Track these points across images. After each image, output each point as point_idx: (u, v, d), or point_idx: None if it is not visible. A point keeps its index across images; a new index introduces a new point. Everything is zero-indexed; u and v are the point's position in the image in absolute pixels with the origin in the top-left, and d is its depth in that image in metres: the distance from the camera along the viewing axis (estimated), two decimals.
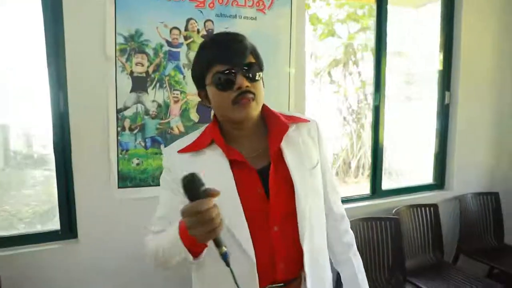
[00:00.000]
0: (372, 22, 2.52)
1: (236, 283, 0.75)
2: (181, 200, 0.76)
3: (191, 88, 1.91)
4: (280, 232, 0.93)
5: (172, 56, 1.88)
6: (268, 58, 1.94)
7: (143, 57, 1.83)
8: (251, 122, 0.96)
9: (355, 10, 3.00)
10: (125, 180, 1.87)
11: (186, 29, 1.89)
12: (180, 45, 1.89)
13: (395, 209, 2.43)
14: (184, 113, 1.93)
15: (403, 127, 2.86)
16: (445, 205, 2.66)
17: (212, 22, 1.93)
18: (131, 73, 1.82)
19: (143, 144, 1.88)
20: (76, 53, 1.72)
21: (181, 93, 1.91)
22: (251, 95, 0.91)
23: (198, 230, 0.74)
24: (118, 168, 1.85)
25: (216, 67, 0.91)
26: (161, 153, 1.88)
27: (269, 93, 2.04)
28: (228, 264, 0.74)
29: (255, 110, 0.94)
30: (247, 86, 0.90)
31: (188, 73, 1.90)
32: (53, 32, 1.72)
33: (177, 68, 1.89)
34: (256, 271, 0.90)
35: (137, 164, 1.88)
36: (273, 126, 1.00)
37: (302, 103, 2.21)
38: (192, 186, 0.73)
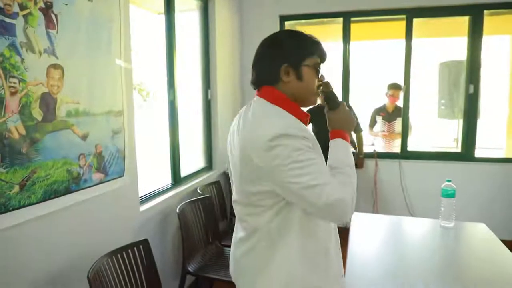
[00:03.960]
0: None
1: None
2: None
3: (32, 74, 1.45)
4: None
5: (6, 30, 1.35)
6: (102, 48, 1.83)
7: None
8: None
9: None
10: None
11: None
12: (15, 15, 1.38)
13: (180, 205, 2.38)
14: (24, 110, 1.43)
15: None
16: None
17: None
18: None
19: None
20: None
21: (20, 81, 1.40)
22: None
23: (352, 124, 1.20)
24: None
25: (317, 58, 1.17)
26: None
27: (105, 86, 1.87)
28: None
29: None
30: None
31: (28, 55, 1.43)
32: None
33: (13, 47, 1.38)
34: None
35: None
36: None
37: (131, 98, 2.11)
38: (337, 97, 1.23)
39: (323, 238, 1.15)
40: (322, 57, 1.18)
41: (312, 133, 1.12)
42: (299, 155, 1.01)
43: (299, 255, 1.12)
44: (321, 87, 1.20)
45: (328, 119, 1.22)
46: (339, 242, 1.25)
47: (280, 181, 1.04)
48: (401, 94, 3.88)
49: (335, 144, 1.15)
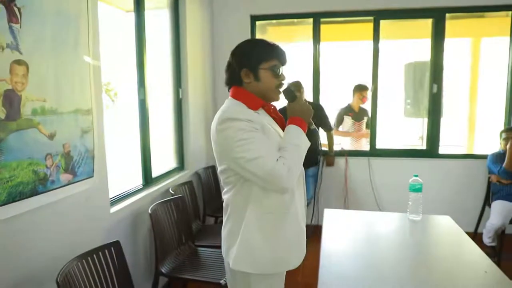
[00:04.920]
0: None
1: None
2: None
3: None
4: None
5: None
6: (70, 44, 1.77)
7: None
8: None
9: None
10: None
11: None
12: None
13: (152, 205, 2.34)
14: None
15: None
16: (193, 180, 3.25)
17: None
18: None
19: None
20: None
21: None
22: None
23: (307, 112, 1.38)
24: None
25: (275, 61, 1.36)
26: None
27: (73, 84, 1.82)
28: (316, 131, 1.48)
29: None
30: None
31: None
32: None
33: None
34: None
35: None
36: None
37: (100, 96, 2.05)
38: (293, 91, 1.41)
39: (278, 212, 1.35)
40: (281, 59, 1.38)
41: (262, 119, 1.35)
42: (242, 134, 1.23)
43: (256, 227, 1.34)
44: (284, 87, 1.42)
45: (287, 110, 1.41)
46: (299, 220, 1.43)
47: (231, 158, 1.27)
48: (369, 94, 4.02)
49: (287, 129, 1.36)
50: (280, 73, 1.38)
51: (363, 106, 4.30)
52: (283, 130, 1.42)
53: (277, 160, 1.23)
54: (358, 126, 4.29)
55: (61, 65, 1.73)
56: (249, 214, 1.34)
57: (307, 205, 3.66)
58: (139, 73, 2.67)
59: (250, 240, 1.34)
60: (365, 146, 4.23)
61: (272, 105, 1.45)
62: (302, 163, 1.33)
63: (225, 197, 1.42)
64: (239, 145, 1.22)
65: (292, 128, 1.35)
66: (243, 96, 1.37)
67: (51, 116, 1.66)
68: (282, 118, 1.47)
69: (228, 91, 1.44)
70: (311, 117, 1.42)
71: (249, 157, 1.22)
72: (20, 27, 1.49)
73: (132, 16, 2.66)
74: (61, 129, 1.72)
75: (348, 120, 4.32)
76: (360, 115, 4.29)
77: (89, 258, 1.69)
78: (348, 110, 4.33)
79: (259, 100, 1.38)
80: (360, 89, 4.22)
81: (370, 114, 4.06)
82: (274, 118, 1.45)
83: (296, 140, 1.31)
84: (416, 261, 1.78)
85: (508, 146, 3.29)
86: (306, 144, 1.35)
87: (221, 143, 1.29)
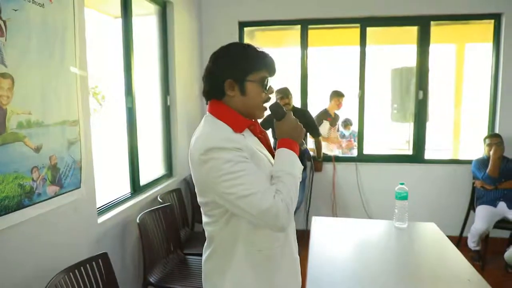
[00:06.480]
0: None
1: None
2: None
3: None
4: None
5: None
6: (56, 56, 1.76)
7: None
8: None
9: None
10: None
11: None
12: None
13: (140, 214, 2.33)
14: None
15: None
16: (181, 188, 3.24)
17: None
18: None
19: None
20: None
21: None
22: None
23: (298, 132, 1.20)
24: None
25: (264, 72, 1.18)
26: None
27: (59, 95, 1.81)
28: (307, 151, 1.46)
29: None
30: None
31: None
32: None
33: None
34: None
35: None
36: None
37: (88, 107, 2.04)
38: (281, 108, 1.23)
39: (267, 248, 1.19)
40: (270, 71, 1.21)
41: (249, 142, 1.16)
42: (231, 167, 1.05)
43: (247, 264, 1.17)
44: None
45: (276, 129, 1.25)
46: (293, 251, 1.28)
47: (217, 192, 1.09)
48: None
49: (279, 154, 1.18)
50: (268, 86, 1.21)
51: (337, 112, 4.54)
52: (268, 149, 1.28)
53: (274, 196, 1.06)
54: (334, 132, 4.46)
55: (47, 77, 1.71)
56: (239, 252, 1.17)
57: (297, 210, 3.73)
58: (127, 81, 2.65)
59: (242, 282, 1.18)
60: (336, 151, 4.53)
61: (257, 123, 1.27)
62: (297, 195, 1.15)
63: (207, 228, 1.23)
64: (227, 179, 1.05)
65: (284, 154, 1.17)
66: (227, 115, 1.17)
67: (37, 129, 1.65)
68: (267, 136, 1.32)
69: (206, 103, 1.25)
70: (303, 136, 1.27)
71: (241, 194, 1.04)
72: (5, 40, 1.47)
73: (119, 23, 2.65)
74: (48, 141, 1.71)
75: (326, 125, 4.40)
76: (335, 120, 4.54)
77: (76, 271, 1.68)
78: (327, 115, 4.42)
79: (245, 121, 1.19)
80: (337, 94, 4.41)
81: (357, 119, 4.12)
82: (259, 138, 1.27)
83: (291, 168, 1.14)
84: (402, 268, 1.81)
85: (491, 152, 3.37)
86: (300, 169, 1.19)
87: (205, 176, 1.10)
